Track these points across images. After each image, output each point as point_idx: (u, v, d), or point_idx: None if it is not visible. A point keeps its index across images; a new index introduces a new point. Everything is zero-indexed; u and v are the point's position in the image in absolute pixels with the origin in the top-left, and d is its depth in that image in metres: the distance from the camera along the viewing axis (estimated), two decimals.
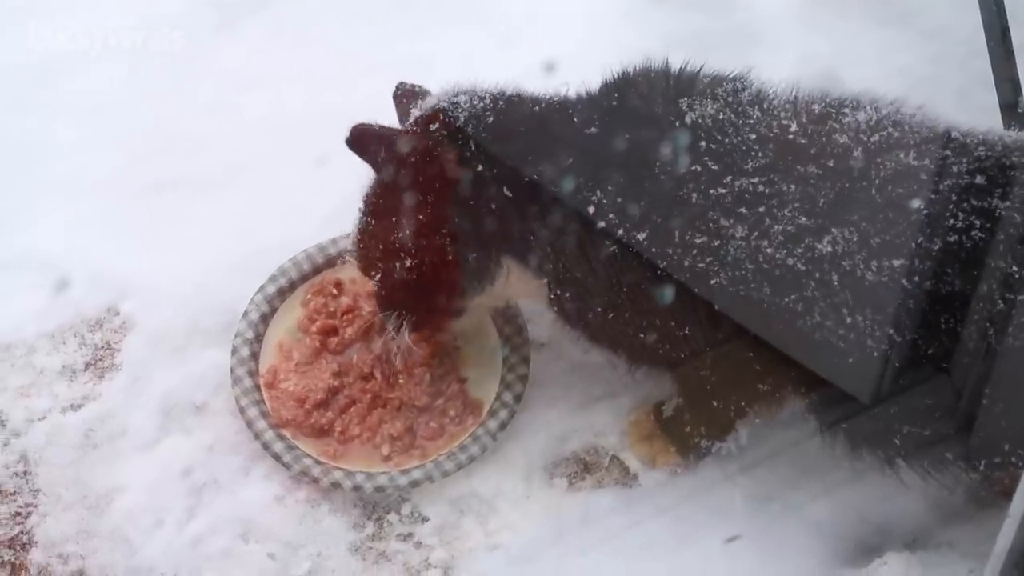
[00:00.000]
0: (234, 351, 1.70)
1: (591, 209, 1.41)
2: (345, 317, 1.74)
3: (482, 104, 1.47)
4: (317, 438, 1.66)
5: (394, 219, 1.50)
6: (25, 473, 1.66)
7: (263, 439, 1.64)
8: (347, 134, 1.46)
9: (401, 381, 1.69)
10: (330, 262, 1.78)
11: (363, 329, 1.73)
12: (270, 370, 1.71)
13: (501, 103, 1.48)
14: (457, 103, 1.47)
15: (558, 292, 1.51)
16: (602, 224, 1.41)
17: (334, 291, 1.77)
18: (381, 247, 1.53)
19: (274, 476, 1.64)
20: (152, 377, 1.73)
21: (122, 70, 2.02)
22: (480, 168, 1.45)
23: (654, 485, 1.64)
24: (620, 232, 1.40)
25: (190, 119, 1.97)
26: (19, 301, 1.79)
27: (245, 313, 1.73)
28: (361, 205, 1.54)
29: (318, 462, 1.63)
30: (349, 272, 1.76)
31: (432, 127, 1.47)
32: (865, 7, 2.06)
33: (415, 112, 1.51)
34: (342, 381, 1.70)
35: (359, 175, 1.54)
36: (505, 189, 1.45)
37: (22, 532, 1.62)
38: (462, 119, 1.46)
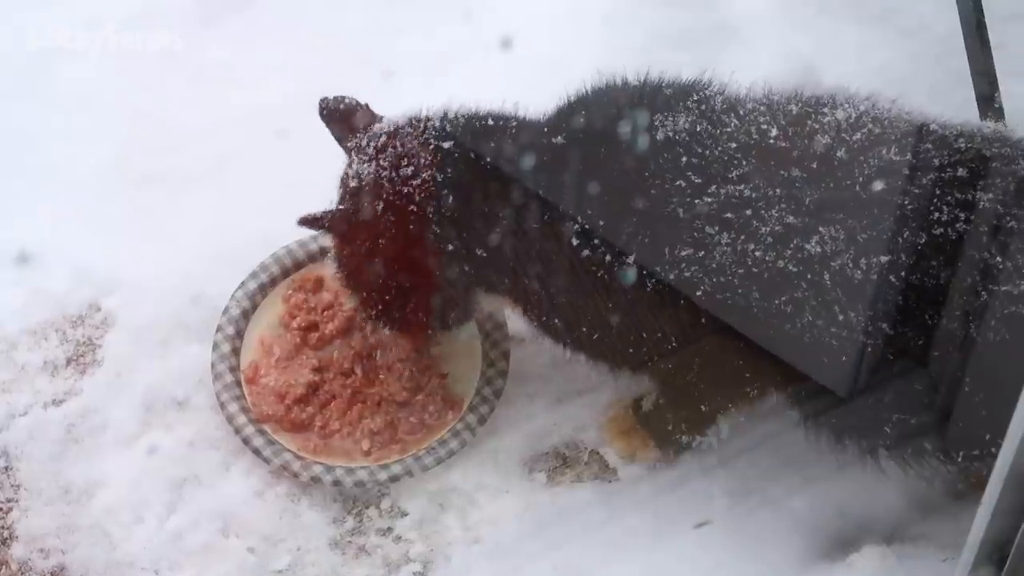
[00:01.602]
0: (215, 347, 1.71)
1: (576, 241, 1.42)
2: (326, 313, 1.74)
3: (456, 154, 1.47)
4: (297, 433, 1.66)
5: (374, 280, 1.53)
6: (6, 468, 1.66)
7: (243, 434, 1.64)
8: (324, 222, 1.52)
9: (381, 377, 1.69)
10: (311, 258, 1.78)
11: (343, 325, 1.73)
12: (251, 366, 1.71)
13: (474, 147, 1.47)
14: (426, 161, 1.46)
15: (543, 318, 1.53)
16: (587, 253, 1.42)
17: (315, 286, 1.77)
18: (363, 295, 1.58)
19: (254, 471, 1.64)
20: (133, 373, 1.73)
21: (107, 64, 2.02)
22: (457, 224, 1.47)
23: (633, 479, 1.64)
24: (608, 258, 1.41)
25: (175, 113, 1.96)
26: (0, 296, 1.79)
27: (226, 309, 1.73)
28: (337, 246, 1.56)
29: (298, 457, 1.63)
30: (330, 268, 1.76)
31: (404, 190, 1.46)
32: (845, 4, 2.06)
33: (369, 147, 1.49)
34: (322, 377, 1.70)
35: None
36: (488, 238, 1.46)
37: (3, 527, 1.62)
38: (437, 178, 1.46)
